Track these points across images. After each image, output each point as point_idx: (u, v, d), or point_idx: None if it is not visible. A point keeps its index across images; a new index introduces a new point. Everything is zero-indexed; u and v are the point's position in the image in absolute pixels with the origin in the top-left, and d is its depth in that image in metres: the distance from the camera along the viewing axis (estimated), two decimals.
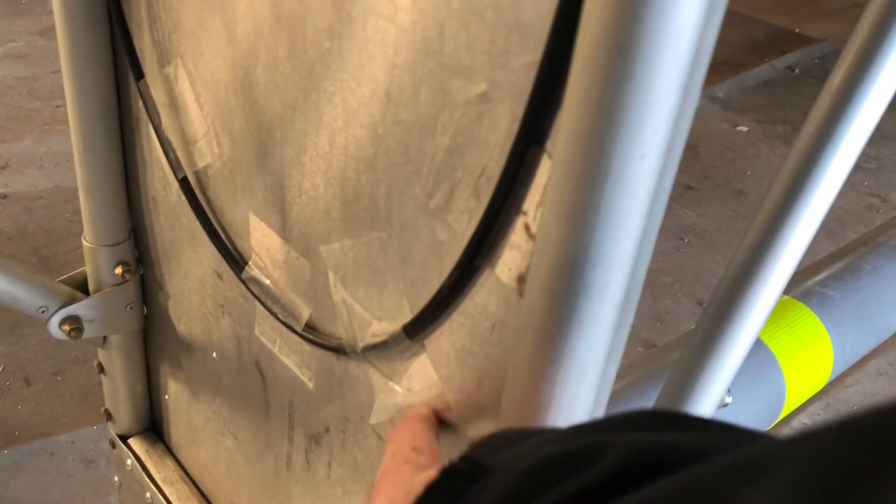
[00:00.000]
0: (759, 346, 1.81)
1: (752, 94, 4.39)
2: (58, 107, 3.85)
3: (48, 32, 4.43)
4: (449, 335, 0.60)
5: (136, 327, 1.08)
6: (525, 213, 0.51)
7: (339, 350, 0.72)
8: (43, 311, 0.98)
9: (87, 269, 1.02)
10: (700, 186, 3.56)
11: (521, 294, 0.52)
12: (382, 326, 0.66)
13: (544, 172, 0.48)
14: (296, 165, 0.69)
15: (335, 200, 0.66)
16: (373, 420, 0.69)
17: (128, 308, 1.05)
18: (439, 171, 0.55)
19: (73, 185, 3.09)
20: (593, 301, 0.44)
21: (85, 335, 1.02)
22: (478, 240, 0.53)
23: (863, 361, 2.54)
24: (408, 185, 0.58)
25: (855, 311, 1.97)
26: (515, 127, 0.48)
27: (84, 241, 1.00)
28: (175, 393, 1.10)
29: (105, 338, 1.07)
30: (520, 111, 0.48)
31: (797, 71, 4.65)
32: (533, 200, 0.50)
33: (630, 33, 0.36)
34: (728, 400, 0.86)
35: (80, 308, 1.00)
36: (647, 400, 1.35)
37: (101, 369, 1.12)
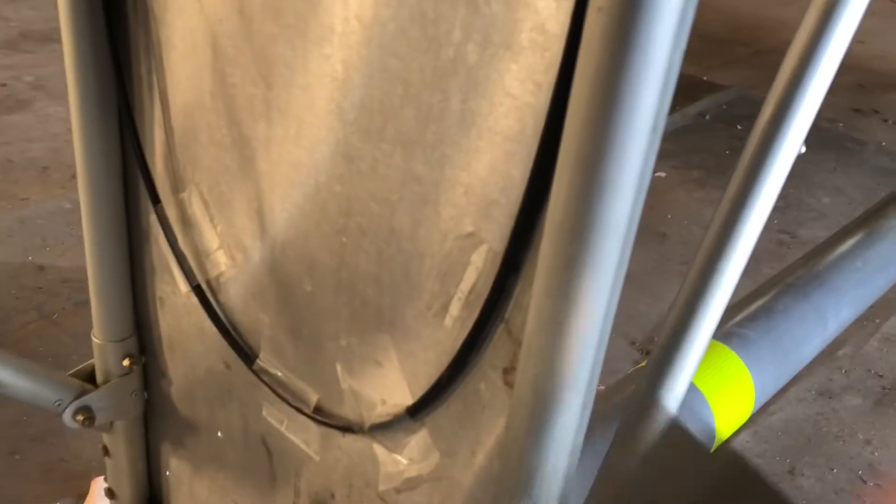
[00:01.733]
0: (690, 386, 2.00)
1: (667, 142, 4.68)
2: None
3: None
4: (447, 415, 0.74)
5: (139, 412, 1.18)
6: (507, 321, 0.66)
7: (346, 429, 0.85)
8: (59, 405, 1.08)
9: (96, 362, 1.13)
10: None
11: (506, 383, 0.68)
12: (387, 408, 0.80)
13: (523, 292, 0.64)
14: (306, 276, 0.83)
15: (344, 308, 0.80)
16: (381, 487, 0.83)
17: (132, 395, 1.16)
18: (435, 288, 0.70)
19: (17, 260, 3.12)
20: (566, 394, 0.59)
21: (95, 423, 1.12)
22: (469, 341, 0.68)
23: (783, 391, 2.77)
24: (409, 299, 0.73)
25: (771, 348, 2.18)
26: (499, 259, 0.64)
27: (94, 338, 1.11)
28: (177, 469, 1.21)
29: (111, 423, 1.18)
30: (501, 247, 0.64)
31: (707, 117, 4.99)
32: (513, 312, 0.65)
33: (586, 216, 0.52)
34: None
35: (90, 399, 1.11)
36: (599, 444, 1.52)
37: (107, 452, 1.22)
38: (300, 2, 0.71)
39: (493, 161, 0.63)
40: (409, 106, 0.66)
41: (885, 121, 4.87)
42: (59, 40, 0.92)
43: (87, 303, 1.15)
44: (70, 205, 3.17)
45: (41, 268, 3.19)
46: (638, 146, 0.51)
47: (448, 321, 0.71)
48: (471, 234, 0.66)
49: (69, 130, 0.98)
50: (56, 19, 0.92)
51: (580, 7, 0.50)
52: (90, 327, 1.13)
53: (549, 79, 0.55)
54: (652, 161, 0.53)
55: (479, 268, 0.67)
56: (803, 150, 0.93)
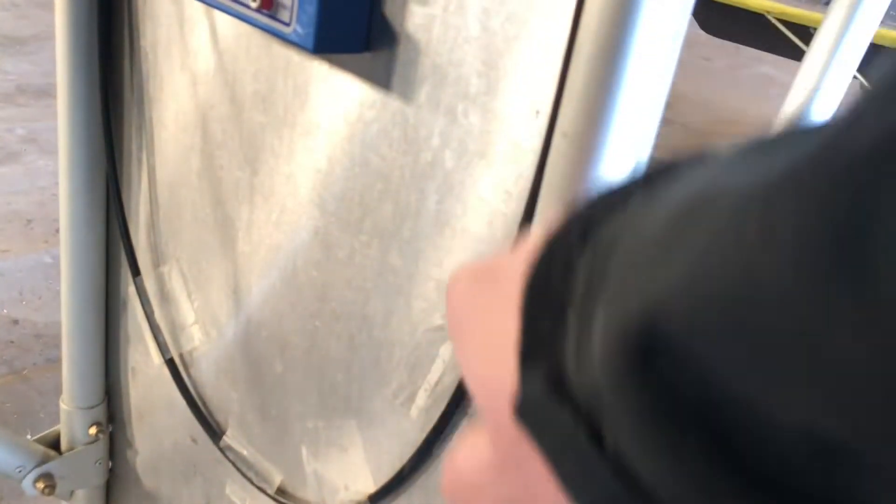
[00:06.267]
0: None
1: None
2: None
3: None
4: None
5: (102, 481, 1.17)
6: (472, 416, 0.67)
7: None
8: (20, 471, 1.07)
9: (62, 429, 1.12)
10: None
11: None
12: (349, 494, 0.80)
13: None
14: (278, 356, 0.84)
15: (312, 391, 0.81)
16: None
17: (97, 464, 1.15)
18: (404, 378, 0.72)
19: None
20: None
21: (56, 491, 1.11)
22: (434, 433, 0.70)
23: None
24: (377, 386, 0.74)
25: None
26: None
27: (62, 404, 1.11)
28: None
29: (72, 491, 1.16)
30: None
31: None
32: None
33: None
34: None
35: (53, 466, 1.10)
36: None
37: None
38: (290, 96, 0.74)
39: (463, 259, 0.65)
40: (387, 201, 0.69)
41: None
42: (54, 95, 0.94)
43: (58, 360, 1.15)
44: (51, 259, 3.16)
45: (15, 321, 3.17)
46: None
47: (414, 411, 0.72)
48: (440, 328, 0.68)
49: (57, 184, 0.99)
50: (53, 74, 0.95)
51: (551, 127, 0.53)
52: (60, 384, 1.13)
53: (519, 188, 0.58)
54: None
55: (446, 361, 0.68)
56: None
